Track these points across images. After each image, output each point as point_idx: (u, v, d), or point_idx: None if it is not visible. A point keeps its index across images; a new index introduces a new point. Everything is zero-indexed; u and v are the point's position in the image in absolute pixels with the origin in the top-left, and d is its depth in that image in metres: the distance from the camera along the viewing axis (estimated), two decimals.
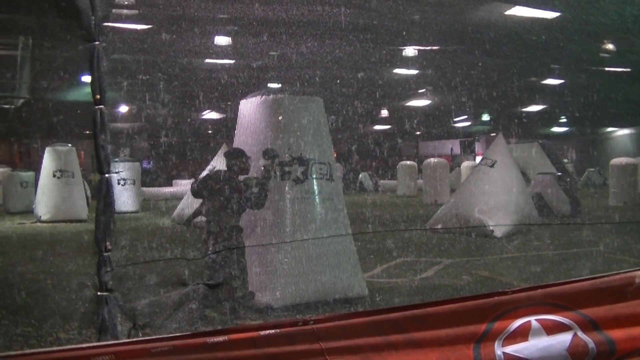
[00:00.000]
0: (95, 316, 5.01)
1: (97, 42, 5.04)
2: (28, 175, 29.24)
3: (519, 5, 14.91)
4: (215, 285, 7.83)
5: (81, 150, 33.79)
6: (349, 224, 9.75)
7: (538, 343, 4.01)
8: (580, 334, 4.07)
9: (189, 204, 18.89)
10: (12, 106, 23.98)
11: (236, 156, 8.44)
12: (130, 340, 4.12)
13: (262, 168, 8.56)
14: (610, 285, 4.27)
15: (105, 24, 5.34)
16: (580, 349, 4.03)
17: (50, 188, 23.40)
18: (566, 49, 19.57)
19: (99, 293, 5.00)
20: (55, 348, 3.43)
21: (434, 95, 31.18)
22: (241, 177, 8.40)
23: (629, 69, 22.84)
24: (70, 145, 25.02)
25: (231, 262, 8.10)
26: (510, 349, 3.98)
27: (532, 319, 4.06)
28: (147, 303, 5.89)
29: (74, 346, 3.42)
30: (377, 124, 44.70)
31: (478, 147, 53.56)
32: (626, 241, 14.14)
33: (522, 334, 4.02)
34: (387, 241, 15.02)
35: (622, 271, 4.37)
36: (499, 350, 3.96)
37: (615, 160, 29.27)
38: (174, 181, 39.66)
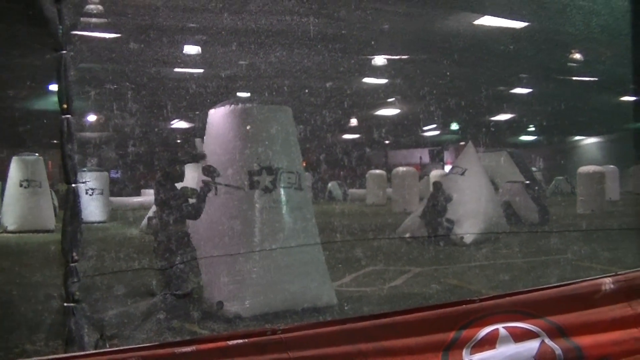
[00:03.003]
0: (62, 327, 4.97)
1: (64, 51, 5.02)
2: None
3: (488, 15, 15.02)
4: (182, 296, 7.83)
5: (49, 159, 33.45)
6: (318, 233, 9.75)
7: (506, 351, 4.04)
8: (547, 341, 4.10)
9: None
10: None
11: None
12: (97, 351, 4.09)
13: (202, 182, 8.64)
14: (578, 293, 4.31)
15: (73, 32, 5.30)
16: (548, 356, 4.06)
17: (17, 198, 23.18)
18: (534, 59, 19.74)
19: (65, 304, 4.96)
20: None
21: (403, 104, 31.21)
22: (180, 187, 8.59)
23: (596, 79, 23.10)
24: (37, 154, 24.79)
25: (185, 267, 8.18)
26: (479, 356, 4.00)
27: (500, 327, 4.08)
28: (115, 314, 5.85)
29: (40, 358, 3.39)
30: (346, 133, 44.68)
31: (447, 155, 53.77)
32: (593, 248, 14.26)
33: (490, 341, 4.05)
34: (355, 250, 15.02)
35: (589, 278, 4.41)
36: (467, 357, 3.98)
37: (583, 169, 29.46)
38: (142, 191, 39.36)
